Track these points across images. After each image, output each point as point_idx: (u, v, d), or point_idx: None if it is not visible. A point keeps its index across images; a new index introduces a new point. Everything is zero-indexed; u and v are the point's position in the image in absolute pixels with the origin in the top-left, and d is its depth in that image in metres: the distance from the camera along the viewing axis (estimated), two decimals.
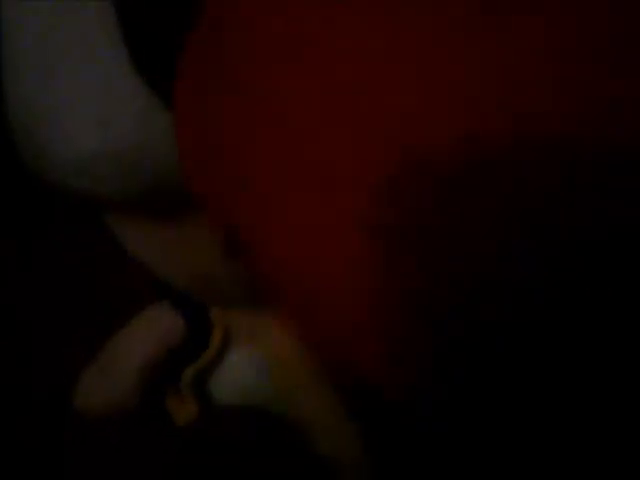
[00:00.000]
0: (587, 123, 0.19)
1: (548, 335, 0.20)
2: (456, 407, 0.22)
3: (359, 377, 0.23)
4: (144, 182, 0.30)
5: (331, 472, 0.37)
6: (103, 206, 0.34)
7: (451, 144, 0.19)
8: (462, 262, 0.20)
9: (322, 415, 0.36)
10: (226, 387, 0.39)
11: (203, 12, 0.25)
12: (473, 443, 0.22)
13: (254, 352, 0.39)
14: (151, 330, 0.38)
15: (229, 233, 0.25)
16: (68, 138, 0.29)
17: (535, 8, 0.19)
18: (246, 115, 0.22)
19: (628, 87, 0.19)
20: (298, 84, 0.21)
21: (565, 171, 0.19)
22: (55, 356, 0.42)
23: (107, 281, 0.38)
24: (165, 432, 0.38)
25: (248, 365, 0.39)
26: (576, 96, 0.19)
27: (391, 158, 0.20)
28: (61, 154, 0.30)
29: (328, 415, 0.36)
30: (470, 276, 0.20)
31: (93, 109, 0.29)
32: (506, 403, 0.21)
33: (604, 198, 0.19)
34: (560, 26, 0.19)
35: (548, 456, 0.22)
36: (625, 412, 0.21)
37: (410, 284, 0.20)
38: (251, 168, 0.22)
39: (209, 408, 0.39)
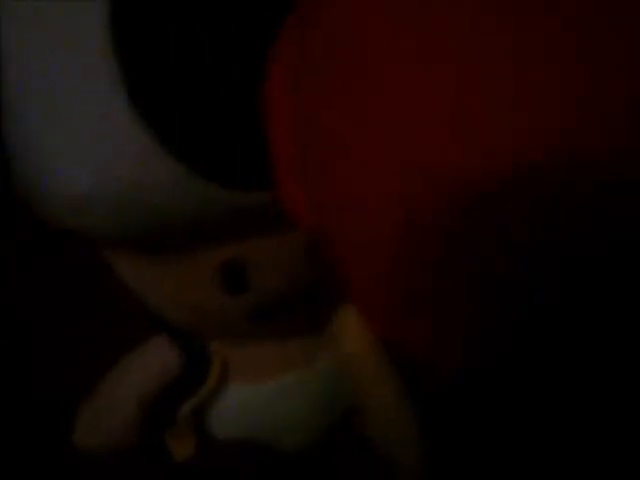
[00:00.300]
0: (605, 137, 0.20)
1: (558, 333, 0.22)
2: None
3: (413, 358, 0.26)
4: (140, 222, 0.30)
5: (389, 473, 0.37)
6: (100, 242, 0.34)
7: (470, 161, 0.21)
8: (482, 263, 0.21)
9: (391, 408, 0.37)
10: (225, 421, 0.39)
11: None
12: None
13: (255, 384, 0.39)
14: (148, 365, 0.38)
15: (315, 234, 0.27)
16: (65, 179, 0.29)
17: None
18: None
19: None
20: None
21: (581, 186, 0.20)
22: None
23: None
24: (163, 469, 0.38)
25: (247, 398, 0.39)
26: (594, 111, 0.20)
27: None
28: (58, 194, 0.30)
29: (396, 408, 0.37)
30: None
31: (90, 150, 0.29)
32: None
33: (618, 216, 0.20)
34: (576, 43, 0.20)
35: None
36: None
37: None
38: (325, 177, 0.25)
39: (207, 443, 0.39)
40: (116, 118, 0.28)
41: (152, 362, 0.38)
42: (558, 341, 0.22)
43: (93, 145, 0.29)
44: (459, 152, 0.21)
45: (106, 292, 0.39)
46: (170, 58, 0.28)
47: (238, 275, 0.34)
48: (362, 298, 0.26)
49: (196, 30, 0.29)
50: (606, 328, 0.21)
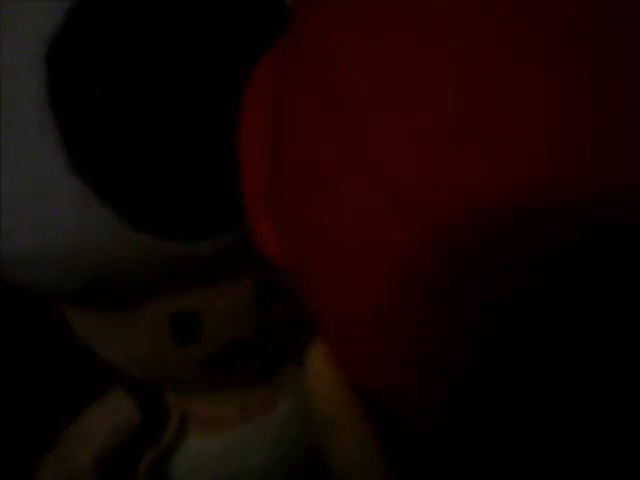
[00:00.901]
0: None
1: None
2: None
3: (385, 403, 0.25)
4: (82, 276, 0.30)
5: None
6: (49, 298, 0.34)
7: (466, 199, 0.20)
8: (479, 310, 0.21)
9: (355, 452, 0.36)
10: (185, 473, 0.39)
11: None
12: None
13: (215, 436, 0.39)
14: (105, 419, 0.38)
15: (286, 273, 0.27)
16: (3, 237, 0.29)
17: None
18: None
19: None
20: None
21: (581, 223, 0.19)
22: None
23: None
24: None
25: (208, 450, 0.39)
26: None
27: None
28: None
29: (361, 451, 0.36)
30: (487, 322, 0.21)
31: (28, 207, 0.29)
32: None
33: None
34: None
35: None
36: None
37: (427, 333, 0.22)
38: (309, 233, 0.24)
39: None
40: (52, 175, 0.28)
41: (109, 416, 0.38)
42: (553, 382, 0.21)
43: (29, 203, 0.29)
44: (454, 182, 0.20)
45: None
46: (105, 112, 0.29)
47: (188, 326, 0.34)
48: (336, 341, 0.25)
49: (132, 83, 0.29)
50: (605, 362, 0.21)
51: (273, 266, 0.28)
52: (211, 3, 0.30)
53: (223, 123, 0.30)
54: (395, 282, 0.21)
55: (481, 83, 0.20)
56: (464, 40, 0.20)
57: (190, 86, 0.29)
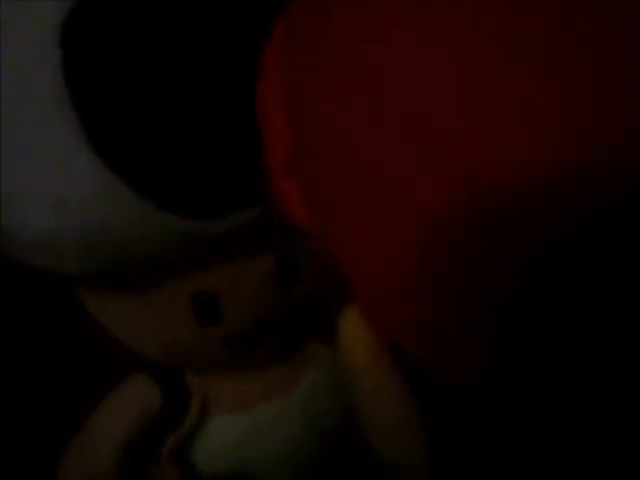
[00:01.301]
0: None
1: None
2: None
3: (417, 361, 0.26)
4: (104, 257, 0.30)
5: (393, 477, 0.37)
6: (68, 278, 0.34)
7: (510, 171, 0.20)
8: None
9: (395, 418, 0.37)
10: (209, 455, 0.39)
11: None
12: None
13: (237, 416, 0.39)
14: (128, 404, 0.37)
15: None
16: (24, 218, 0.29)
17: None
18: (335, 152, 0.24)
19: None
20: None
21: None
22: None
23: None
24: None
25: (230, 431, 0.39)
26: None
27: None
28: (19, 233, 0.30)
29: (400, 417, 0.36)
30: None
31: (48, 189, 0.29)
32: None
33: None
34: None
35: None
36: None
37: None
38: (339, 196, 0.24)
39: (192, 478, 0.38)
40: (75, 158, 0.28)
41: (132, 400, 0.38)
42: (558, 352, 0.22)
43: (54, 184, 0.29)
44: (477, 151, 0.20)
45: None
46: (123, 92, 0.29)
47: (210, 306, 0.34)
48: (372, 306, 0.26)
49: (151, 70, 0.29)
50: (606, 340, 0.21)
51: (296, 240, 0.28)
52: None
53: (242, 99, 0.30)
54: (427, 246, 0.22)
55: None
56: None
57: (209, 65, 0.29)
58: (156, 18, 0.29)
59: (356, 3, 0.23)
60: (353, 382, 0.37)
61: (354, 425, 0.38)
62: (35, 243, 0.30)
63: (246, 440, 0.39)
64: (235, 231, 0.31)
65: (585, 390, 0.23)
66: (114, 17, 0.29)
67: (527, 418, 0.25)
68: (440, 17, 0.21)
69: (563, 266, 0.20)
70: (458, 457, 0.37)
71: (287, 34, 0.27)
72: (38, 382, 0.46)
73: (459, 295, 0.22)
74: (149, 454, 0.38)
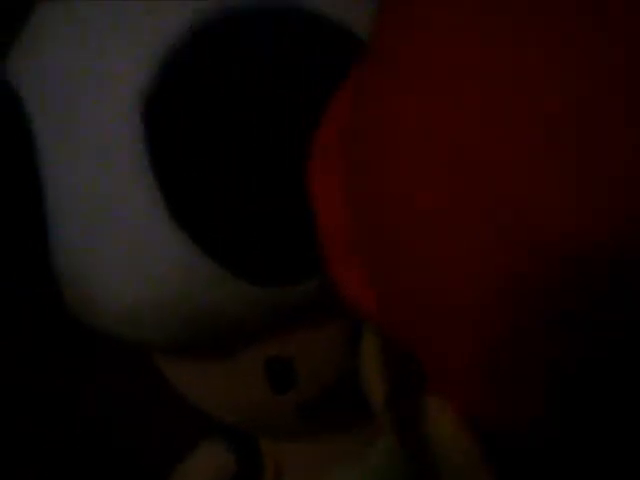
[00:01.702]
0: None
1: None
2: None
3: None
4: (186, 327, 0.31)
5: None
6: (147, 348, 0.35)
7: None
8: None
9: None
10: None
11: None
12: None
13: None
14: (204, 469, 0.38)
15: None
16: (107, 289, 0.30)
17: None
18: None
19: None
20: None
21: None
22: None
23: None
24: None
25: None
26: None
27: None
28: (101, 304, 0.31)
29: None
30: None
31: (132, 261, 0.29)
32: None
33: None
34: None
35: None
36: None
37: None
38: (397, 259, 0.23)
39: None
40: (156, 229, 0.29)
41: (207, 466, 0.38)
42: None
43: (136, 257, 0.29)
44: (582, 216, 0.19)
45: None
46: (203, 164, 0.29)
47: (284, 372, 0.34)
48: (450, 387, 0.25)
49: (228, 135, 0.29)
50: None
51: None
52: (291, 48, 0.30)
53: None
54: (505, 326, 0.21)
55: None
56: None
57: (284, 135, 0.30)
58: (238, 87, 0.29)
59: (424, 76, 0.23)
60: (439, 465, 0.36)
61: None
62: (117, 314, 0.30)
63: None
64: (310, 297, 0.31)
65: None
66: (196, 86, 0.29)
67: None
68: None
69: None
70: None
71: (346, 111, 0.27)
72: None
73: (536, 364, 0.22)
74: None
